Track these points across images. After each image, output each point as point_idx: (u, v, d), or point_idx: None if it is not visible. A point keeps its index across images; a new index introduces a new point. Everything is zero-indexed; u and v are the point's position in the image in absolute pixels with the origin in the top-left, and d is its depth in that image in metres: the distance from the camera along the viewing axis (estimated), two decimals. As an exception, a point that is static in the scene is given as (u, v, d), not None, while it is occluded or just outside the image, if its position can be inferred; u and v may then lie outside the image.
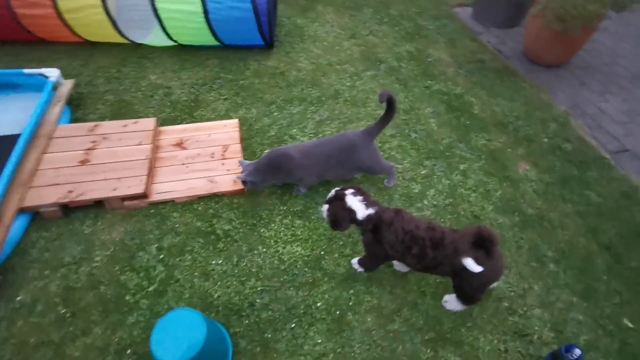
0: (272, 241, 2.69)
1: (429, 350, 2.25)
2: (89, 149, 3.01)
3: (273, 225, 2.79)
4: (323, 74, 4.14)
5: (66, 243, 2.63)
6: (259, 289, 2.46)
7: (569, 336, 2.35)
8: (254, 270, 2.55)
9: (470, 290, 2.19)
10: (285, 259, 2.61)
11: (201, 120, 3.51)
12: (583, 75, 4.45)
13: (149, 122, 3.26)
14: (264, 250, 2.65)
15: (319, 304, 2.40)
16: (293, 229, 2.77)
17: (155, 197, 2.83)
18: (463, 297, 2.29)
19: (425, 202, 3.01)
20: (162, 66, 4.07)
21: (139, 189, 2.77)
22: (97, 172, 2.86)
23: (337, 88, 3.98)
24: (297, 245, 2.68)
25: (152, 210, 2.81)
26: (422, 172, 3.23)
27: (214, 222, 2.77)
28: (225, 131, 3.34)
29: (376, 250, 2.28)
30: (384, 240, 2.16)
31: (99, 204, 2.76)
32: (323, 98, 3.86)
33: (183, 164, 3.06)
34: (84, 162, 2.92)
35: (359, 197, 2.20)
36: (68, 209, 2.75)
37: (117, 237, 2.67)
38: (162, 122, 3.43)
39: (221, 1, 3.84)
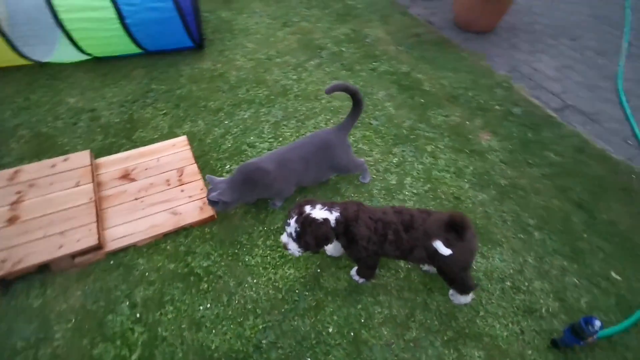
0: (260, 269, 2.36)
1: (452, 352, 2.11)
2: (15, 203, 2.39)
3: (257, 250, 2.44)
4: (265, 70, 3.75)
5: (13, 324, 2.08)
6: (260, 326, 2.13)
7: (571, 302, 2.36)
8: (249, 306, 2.21)
9: (452, 274, 2.08)
10: (280, 286, 2.30)
11: (143, 144, 2.98)
12: (511, 37, 4.53)
13: (83, 156, 2.68)
14: (255, 281, 2.31)
15: (330, 329, 2.15)
16: (279, 249, 2.45)
17: (112, 246, 2.33)
18: (456, 286, 2.17)
19: (406, 192, 2.84)
20: (79, 86, 3.42)
21: (90, 241, 2.25)
22: (32, 230, 2.28)
23: (284, 83, 3.64)
24: (289, 267, 2.38)
25: (112, 262, 2.32)
26: (394, 161, 3.05)
27: (190, 261, 2.36)
28: (175, 152, 2.87)
29: (357, 253, 2.05)
30: (358, 237, 1.94)
31: (43, 268, 2.21)
32: (272, 96, 3.50)
33: (136, 199, 2.57)
34: (12, 221, 2.31)
35: (319, 206, 1.95)
36: (6, 283, 2.17)
37: (76, 303, 2.16)
38: (98, 154, 2.86)
39: (136, 3, 3.27)
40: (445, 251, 1.87)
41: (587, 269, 2.54)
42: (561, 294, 2.40)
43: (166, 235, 2.45)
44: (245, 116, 3.29)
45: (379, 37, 4.35)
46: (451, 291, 2.30)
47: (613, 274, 2.53)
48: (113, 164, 2.76)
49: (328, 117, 3.33)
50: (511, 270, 2.47)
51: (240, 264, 2.37)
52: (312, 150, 2.49)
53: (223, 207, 2.41)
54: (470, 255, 2.01)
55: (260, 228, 2.54)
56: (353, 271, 2.33)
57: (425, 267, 2.38)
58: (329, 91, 2.37)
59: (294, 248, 1.98)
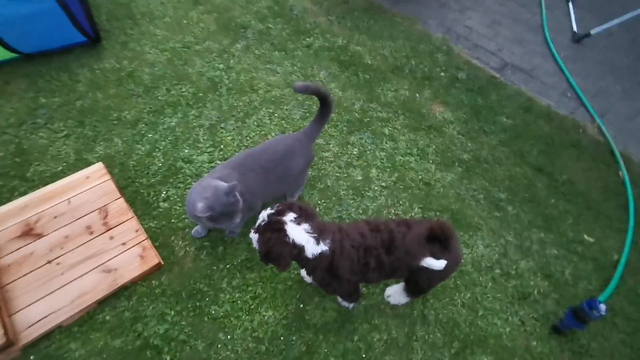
0: (232, 319, 1.83)
1: None
2: None
3: (223, 295, 1.90)
4: (184, 62, 2.99)
5: None
6: (248, 394, 1.71)
7: (558, 277, 2.19)
8: None
9: (427, 285, 1.77)
10: (261, 335, 1.80)
11: (43, 182, 2.17)
12: (437, -5, 4.18)
13: (-44, 218, 1.90)
14: (229, 336, 1.78)
15: (330, 376, 1.79)
16: (250, 288, 1.93)
17: (28, 336, 1.64)
18: (414, 292, 1.85)
19: (374, 187, 2.43)
20: None
21: None
22: None
23: (211, 76, 2.92)
24: (266, 309, 1.88)
25: (33, 358, 1.67)
26: (354, 152, 2.59)
27: (141, 329, 1.76)
28: (90, 186, 2.11)
29: (336, 286, 1.63)
30: (340, 271, 1.52)
31: None
32: (200, 94, 2.78)
33: (49, 262, 1.84)
34: None
35: (305, 226, 1.43)
36: None
37: None
38: (-21, 207, 2.07)
39: (-8, -7, 2.33)
40: (440, 264, 1.50)
41: (561, 237, 2.39)
42: (546, 270, 2.22)
43: (102, 303, 1.80)
44: (172, 123, 2.56)
45: (306, 7, 3.72)
46: (389, 291, 1.95)
47: (585, 236, 2.42)
48: (6, 217, 1.95)
49: (271, 110, 2.74)
50: (496, 255, 2.23)
51: (206, 318, 1.82)
52: (275, 158, 1.88)
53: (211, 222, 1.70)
54: (456, 264, 1.66)
55: (221, 266, 1.98)
56: (339, 298, 1.92)
57: (388, 295, 1.97)
58: (300, 90, 1.81)
59: (253, 235, 1.47)
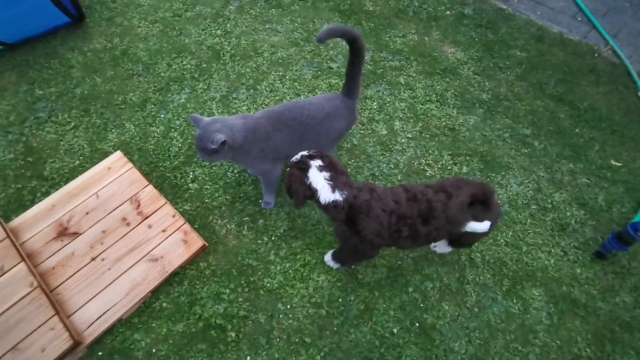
0: (287, 289, 1.82)
1: (515, 301, 1.85)
2: None
3: (273, 267, 1.87)
4: (179, 32, 2.75)
5: None
6: (318, 357, 1.67)
7: (592, 204, 2.19)
8: (295, 339, 1.71)
9: (471, 242, 1.78)
10: (319, 300, 1.80)
11: (64, 179, 2.05)
12: None
13: (-16, 229, 1.78)
14: (287, 305, 1.78)
15: (392, 328, 1.75)
16: (298, 256, 1.91)
17: (91, 335, 1.61)
18: (460, 247, 1.87)
19: (401, 140, 2.35)
20: None
21: (62, 344, 1.52)
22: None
23: (211, 44, 2.69)
24: (318, 275, 1.87)
25: (101, 354, 1.63)
26: (374, 106, 2.48)
27: (200, 312, 1.74)
28: (114, 177, 2.00)
29: (357, 244, 1.59)
30: (365, 231, 1.49)
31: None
32: (203, 65, 2.59)
33: (93, 259, 1.78)
34: None
35: (325, 174, 1.47)
36: None
37: None
38: (4, 214, 1.92)
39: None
40: (485, 227, 1.50)
41: (590, 164, 2.37)
42: (580, 199, 2.23)
43: (156, 292, 1.77)
44: (182, 100, 2.40)
45: (292, -45, 3.44)
46: (435, 242, 1.91)
47: (613, 161, 2.41)
48: (37, 220, 1.86)
49: (280, 72, 2.57)
50: (531, 192, 2.22)
51: (261, 292, 1.81)
52: (319, 117, 1.76)
53: (223, 155, 1.65)
54: (498, 219, 1.61)
55: (265, 239, 1.94)
56: (327, 256, 1.88)
57: (434, 245, 1.97)
58: (322, 39, 1.60)
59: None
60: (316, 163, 1.47)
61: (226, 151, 1.63)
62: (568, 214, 2.16)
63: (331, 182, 1.46)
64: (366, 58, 2.59)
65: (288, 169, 1.57)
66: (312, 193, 1.49)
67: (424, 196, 1.50)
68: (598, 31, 3.00)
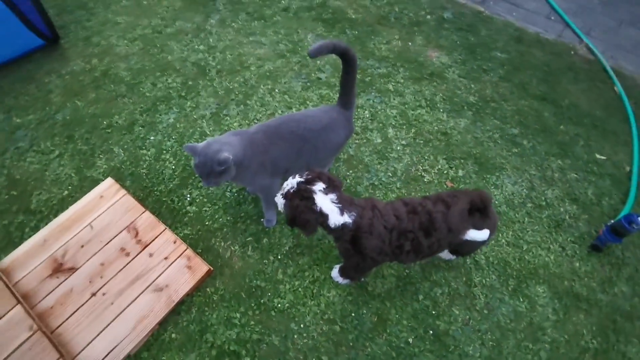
0: (299, 307, 1.78)
1: (522, 299, 1.87)
2: None
3: (282, 287, 1.83)
4: (161, 50, 2.67)
5: None
6: (336, 376, 1.70)
7: (583, 199, 2.25)
8: (312, 357, 1.66)
9: (470, 250, 1.81)
10: (332, 316, 1.77)
11: (53, 211, 1.95)
12: None
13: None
14: (301, 325, 1.74)
15: (407, 338, 1.75)
16: (306, 273, 1.87)
17: (98, 376, 1.56)
18: (460, 255, 1.88)
19: (396, 147, 2.35)
20: None
21: None
22: None
23: (195, 60, 2.64)
24: (328, 290, 1.83)
25: (110, 395, 1.59)
26: (367, 115, 2.47)
27: (212, 339, 1.67)
28: (108, 205, 1.91)
29: (360, 262, 1.58)
30: (367, 250, 1.48)
31: None
32: (189, 82, 2.52)
33: (94, 294, 1.68)
34: None
35: (332, 196, 1.41)
36: None
37: None
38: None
39: None
40: (484, 235, 1.52)
41: (577, 160, 2.45)
42: (572, 194, 2.29)
43: (163, 323, 1.69)
44: (171, 120, 2.32)
45: (270, -34, 3.41)
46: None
47: (598, 155, 2.50)
48: (29, 257, 1.74)
49: (269, 85, 2.54)
50: (525, 190, 2.27)
51: (273, 313, 1.76)
52: (316, 129, 1.73)
53: (226, 175, 1.58)
54: (495, 226, 1.62)
55: (271, 258, 1.90)
56: (335, 272, 1.85)
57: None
58: (315, 54, 1.58)
59: (279, 200, 1.47)
60: (319, 187, 1.40)
61: (232, 169, 1.59)
62: (562, 209, 2.23)
63: (340, 205, 1.40)
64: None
65: (283, 199, 1.45)
66: (323, 219, 1.42)
67: (424, 208, 1.49)
68: (572, 29, 3.12)
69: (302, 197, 1.40)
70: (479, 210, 1.47)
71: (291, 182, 1.43)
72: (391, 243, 1.48)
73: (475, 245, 1.67)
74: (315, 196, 1.39)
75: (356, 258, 1.55)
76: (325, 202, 1.39)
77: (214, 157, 1.52)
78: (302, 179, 1.42)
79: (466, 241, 1.55)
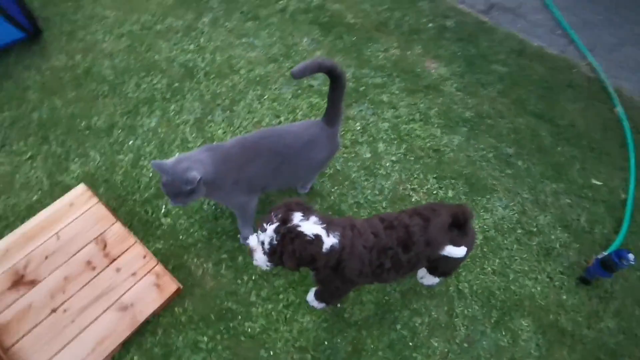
0: (270, 333, 1.69)
1: (504, 333, 1.78)
2: None
3: (255, 309, 1.74)
4: (148, 48, 2.54)
5: None
6: (304, 409, 1.61)
7: (575, 227, 2.15)
8: None
9: (447, 270, 1.69)
10: (304, 344, 1.68)
11: (20, 218, 1.84)
12: None
13: None
14: (271, 352, 1.65)
15: (382, 370, 1.72)
16: (281, 296, 1.78)
17: (52, 400, 1.47)
18: (438, 275, 1.76)
19: (385, 163, 2.24)
20: None
21: None
22: None
23: (183, 61, 2.51)
24: (302, 315, 1.74)
25: (65, 420, 1.51)
26: (357, 127, 2.36)
27: (176, 365, 1.65)
28: (78, 214, 1.81)
29: (339, 286, 1.49)
30: (347, 273, 1.37)
31: None
32: (175, 84, 2.40)
33: (54, 311, 1.59)
34: None
35: (313, 218, 1.25)
36: None
37: None
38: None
39: None
40: (461, 252, 1.42)
41: (572, 184, 2.34)
42: (564, 221, 2.19)
43: (126, 344, 1.60)
44: (152, 124, 2.21)
45: (268, -37, 3.26)
46: (422, 273, 1.83)
47: (593, 180, 2.39)
48: (-12, 269, 1.69)
49: (258, 91, 2.42)
50: (516, 215, 2.17)
51: (242, 337, 1.67)
52: (296, 146, 1.63)
53: (197, 193, 1.50)
54: (473, 244, 1.56)
55: (245, 278, 1.80)
56: (310, 296, 1.74)
57: (421, 277, 1.88)
58: (299, 75, 1.46)
59: (261, 260, 1.30)
60: (297, 217, 1.24)
61: (201, 189, 1.49)
62: (552, 237, 2.13)
63: (324, 225, 1.26)
64: (347, 82, 2.44)
65: (268, 257, 1.28)
66: (320, 243, 1.25)
67: (400, 222, 1.40)
68: (576, 45, 2.99)
69: (291, 239, 1.23)
70: (458, 226, 1.38)
71: (265, 235, 1.25)
72: (371, 263, 1.38)
73: (452, 262, 1.56)
74: (300, 228, 1.22)
75: (337, 282, 1.45)
76: (312, 226, 1.24)
77: (182, 176, 1.42)
78: (276, 224, 1.23)
79: (443, 257, 1.45)
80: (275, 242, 1.23)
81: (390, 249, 1.38)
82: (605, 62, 2.92)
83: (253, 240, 1.32)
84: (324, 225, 1.27)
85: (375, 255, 1.38)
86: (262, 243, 1.27)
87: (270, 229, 1.23)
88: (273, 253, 1.26)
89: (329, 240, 1.27)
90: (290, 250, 1.23)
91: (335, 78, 1.57)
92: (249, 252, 1.33)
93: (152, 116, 2.25)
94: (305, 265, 1.30)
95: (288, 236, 1.22)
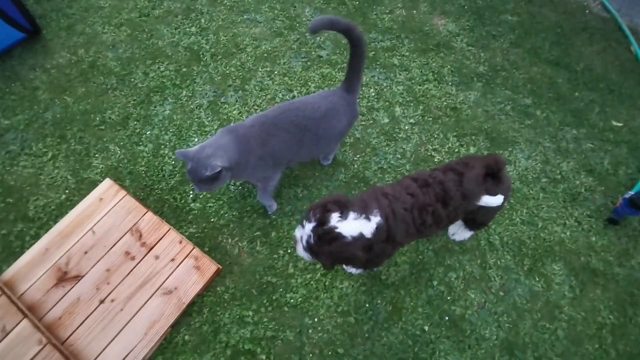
0: (312, 301, 1.73)
1: (537, 278, 1.81)
2: None
3: (294, 281, 1.77)
4: (150, 35, 2.47)
5: None
6: (355, 369, 1.66)
7: (599, 170, 2.14)
8: (327, 351, 1.62)
9: (485, 220, 1.69)
10: (346, 308, 1.72)
11: (52, 217, 1.85)
12: None
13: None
14: (315, 319, 1.69)
15: (422, 326, 1.70)
16: (318, 266, 1.80)
17: (116, 385, 1.52)
18: (476, 227, 1.79)
19: (404, 127, 2.21)
20: None
21: None
22: None
23: (187, 44, 2.43)
24: (340, 282, 1.77)
25: (130, 401, 1.57)
26: (372, 93, 2.31)
27: (226, 339, 1.63)
28: (109, 208, 1.81)
29: (390, 252, 1.50)
30: (398, 237, 1.38)
31: None
32: (183, 69, 2.35)
33: (102, 302, 1.63)
34: None
35: (351, 215, 1.27)
36: None
37: None
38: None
39: None
40: (498, 200, 1.42)
41: (593, 128, 2.30)
42: (587, 166, 2.17)
43: (175, 325, 1.64)
44: (167, 112, 2.18)
45: None
46: (451, 230, 1.87)
47: (614, 122, 2.35)
48: (32, 268, 1.67)
49: (267, 68, 2.36)
50: (539, 164, 2.15)
51: (286, 308, 1.71)
52: (316, 117, 1.61)
53: (221, 180, 1.52)
54: (509, 191, 1.54)
55: (281, 252, 1.82)
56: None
57: (452, 233, 1.89)
58: (313, 29, 1.45)
59: (302, 253, 1.35)
60: (335, 218, 1.24)
61: (225, 175, 1.49)
62: (577, 182, 2.11)
63: (362, 214, 1.27)
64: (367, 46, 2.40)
65: (308, 253, 1.32)
66: (361, 239, 1.28)
67: (435, 179, 1.41)
68: (585, -15, 2.87)
69: (328, 240, 1.26)
70: (493, 175, 1.40)
71: (304, 232, 1.29)
72: (415, 222, 1.39)
73: (490, 212, 1.58)
74: (338, 230, 1.24)
75: (388, 248, 1.44)
76: (350, 225, 1.25)
77: (205, 164, 1.42)
78: (313, 223, 1.27)
79: (480, 207, 1.46)
80: (312, 241, 1.28)
81: (429, 206, 1.39)
82: (615, 0, 2.81)
83: (297, 233, 1.36)
84: (362, 214, 1.29)
85: (417, 214, 1.39)
86: (301, 239, 1.32)
87: (308, 227, 1.28)
88: (311, 250, 1.31)
89: (373, 222, 1.30)
90: (327, 251, 1.28)
91: (353, 41, 1.53)
92: (295, 242, 1.38)
93: (165, 104, 2.21)
94: (343, 264, 1.35)
95: (325, 237, 1.26)
